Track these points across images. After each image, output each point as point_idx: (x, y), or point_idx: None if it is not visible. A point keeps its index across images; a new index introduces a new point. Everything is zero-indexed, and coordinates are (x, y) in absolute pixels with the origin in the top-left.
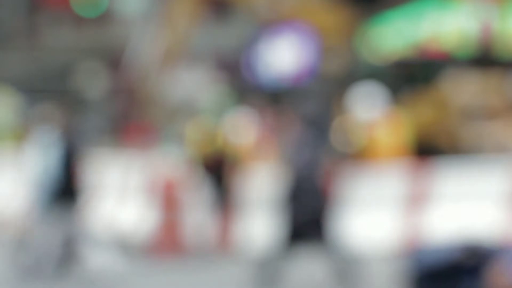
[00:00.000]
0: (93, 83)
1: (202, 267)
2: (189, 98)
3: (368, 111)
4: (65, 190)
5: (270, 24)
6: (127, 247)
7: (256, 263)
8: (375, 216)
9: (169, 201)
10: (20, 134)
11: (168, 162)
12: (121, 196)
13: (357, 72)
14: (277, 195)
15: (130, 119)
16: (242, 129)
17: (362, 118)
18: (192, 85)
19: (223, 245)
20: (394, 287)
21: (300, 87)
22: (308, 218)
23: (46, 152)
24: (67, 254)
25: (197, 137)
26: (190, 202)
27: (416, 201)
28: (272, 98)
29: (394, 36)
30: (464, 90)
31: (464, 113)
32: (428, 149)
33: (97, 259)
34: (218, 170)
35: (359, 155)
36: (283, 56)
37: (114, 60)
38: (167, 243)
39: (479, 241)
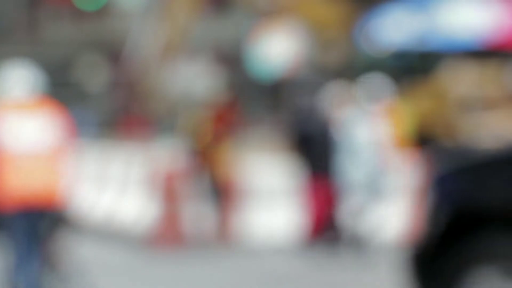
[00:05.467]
0: (94, 76)
1: (202, 258)
2: (189, 90)
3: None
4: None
5: (269, 17)
6: (128, 239)
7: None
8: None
9: (169, 193)
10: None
11: (168, 154)
12: (122, 188)
13: (356, 64)
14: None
15: (130, 111)
16: None
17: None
18: (191, 77)
19: (223, 236)
20: (398, 276)
21: (299, 80)
22: None
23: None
24: None
25: (196, 128)
26: (190, 193)
27: (418, 192)
28: (271, 91)
29: (392, 27)
30: (462, 80)
31: (462, 104)
32: (426, 140)
33: (87, 251)
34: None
35: None
36: (282, 48)
37: (114, 53)
38: (168, 235)
39: None
